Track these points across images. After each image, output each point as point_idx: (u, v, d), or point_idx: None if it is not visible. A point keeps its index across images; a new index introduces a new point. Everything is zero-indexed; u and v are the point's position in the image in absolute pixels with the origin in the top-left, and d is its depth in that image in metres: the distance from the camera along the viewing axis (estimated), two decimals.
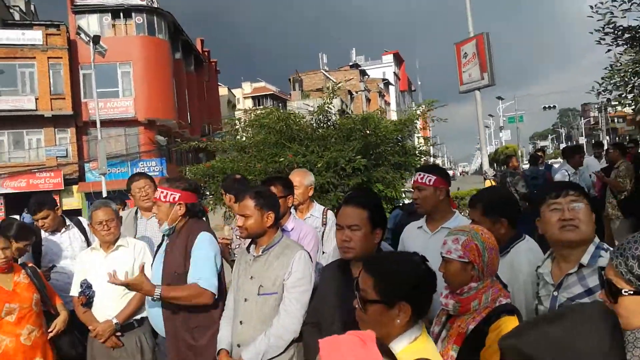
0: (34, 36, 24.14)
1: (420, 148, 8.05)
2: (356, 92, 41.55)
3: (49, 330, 3.42)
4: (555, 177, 8.12)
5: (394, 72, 72.67)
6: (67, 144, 25.21)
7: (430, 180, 2.89)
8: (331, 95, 7.78)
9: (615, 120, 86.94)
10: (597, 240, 2.13)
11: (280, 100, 50.77)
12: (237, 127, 8.42)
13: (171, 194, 3.04)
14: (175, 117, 27.59)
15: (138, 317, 3.42)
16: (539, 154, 9.24)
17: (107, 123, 22.82)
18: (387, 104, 62.12)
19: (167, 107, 26.98)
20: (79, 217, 4.47)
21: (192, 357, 2.88)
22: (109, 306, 3.37)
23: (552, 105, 42.58)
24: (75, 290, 3.48)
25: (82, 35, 18.69)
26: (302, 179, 3.69)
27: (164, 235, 3.24)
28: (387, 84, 66.55)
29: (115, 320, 3.31)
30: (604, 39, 7.65)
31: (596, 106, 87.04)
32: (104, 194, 18.19)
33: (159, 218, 3.07)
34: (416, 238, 3.02)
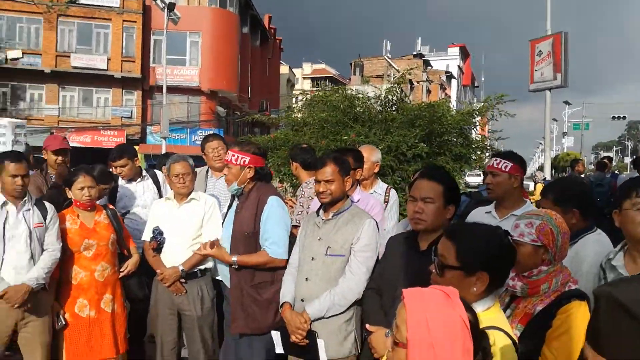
0: None
1: (484, 142, 7.93)
2: (417, 82, 40.86)
3: (121, 270, 3.66)
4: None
5: (458, 66, 71.05)
6: (133, 106, 26.19)
7: (506, 167, 2.89)
8: (400, 80, 7.76)
9: None
10: None
11: (338, 83, 50.70)
12: (300, 102, 8.54)
13: (242, 157, 3.17)
14: (237, 90, 28.15)
15: (202, 267, 3.60)
16: (606, 161, 8.90)
17: (171, 89, 23.50)
18: (448, 97, 60.93)
19: (231, 80, 27.51)
20: (155, 170, 4.70)
21: (256, 310, 3.03)
22: (176, 254, 3.56)
23: (622, 116, 40.58)
24: (147, 236, 3.69)
25: (158, 1, 19.22)
26: (369, 155, 3.75)
27: (232, 197, 3.39)
28: (449, 76, 65.19)
29: (181, 268, 3.50)
30: None
31: None
32: None
33: (228, 179, 3.21)
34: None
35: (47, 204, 3.39)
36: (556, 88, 12.72)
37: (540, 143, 46.22)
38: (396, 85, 7.51)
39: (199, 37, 26.61)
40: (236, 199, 3.32)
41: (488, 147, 8.05)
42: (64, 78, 24.94)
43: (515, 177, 2.91)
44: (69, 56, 24.79)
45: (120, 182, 4.33)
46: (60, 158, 4.14)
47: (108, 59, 25.13)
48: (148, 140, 25.64)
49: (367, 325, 2.36)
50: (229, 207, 3.46)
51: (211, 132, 5.10)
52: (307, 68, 59.84)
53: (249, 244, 3.10)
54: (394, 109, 7.75)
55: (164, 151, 19.38)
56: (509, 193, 2.92)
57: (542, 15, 12.78)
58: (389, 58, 50.54)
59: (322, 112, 7.70)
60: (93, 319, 3.47)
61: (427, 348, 1.26)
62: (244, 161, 3.17)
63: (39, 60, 24.75)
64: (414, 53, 61.66)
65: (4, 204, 3.21)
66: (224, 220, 3.45)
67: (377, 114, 7.45)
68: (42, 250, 3.29)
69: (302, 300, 2.73)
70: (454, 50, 72.35)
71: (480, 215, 3.12)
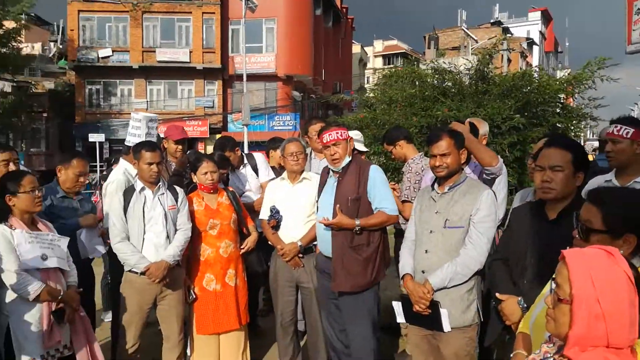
0: None
1: (581, 110, 7.57)
2: (498, 52, 38.99)
3: (242, 247, 3.94)
4: None
5: (540, 31, 67.04)
6: (214, 95, 27.22)
7: (627, 133, 2.81)
8: (494, 49, 7.56)
9: None
10: None
11: (411, 58, 49.64)
12: (374, 81, 8.56)
13: (344, 132, 3.40)
14: (311, 73, 28.41)
15: (317, 242, 3.79)
16: None
17: (250, 77, 24.16)
18: (529, 65, 57.87)
19: (305, 64, 27.79)
20: (253, 153, 5.00)
21: (357, 268, 3.25)
22: (294, 230, 3.77)
23: None
24: (265, 214, 3.93)
25: None
26: (479, 127, 3.74)
27: (325, 172, 3.57)
28: (530, 43, 61.72)
29: (299, 243, 3.71)
30: None
31: None
32: (245, 145, 19.55)
33: (340, 155, 3.34)
34: None
35: (177, 188, 3.71)
36: None
37: (632, 109, 42.86)
38: (487, 57, 7.33)
39: (275, 23, 27.06)
40: (332, 174, 3.46)
41: (587, 115, 7.66)
42: (150, 72, 26.37)
43: (638, 143, 2.82)
44: (154, 51, 26.14)
45: None
46: (180, 147, 4.47)
47: (190, 52, 26.23)
48: (229, 129, 26.58)
49: (498, 294, 2.42)
50: (323, 180, 3.61)
51: (314, 116, 5.27)
52: (379, 45, 59.05)
53: (353, 209, 3.28)
54: (488, 80, 7.57)
55: (245, 138, 20.16)
56: (631, 160, 2.84)
57: None
58: (466, 28, 48.65)
59: (412, 88, 7.68)
60: (219, 293, 3.77)
61: (593, 302, 1.31)
62: (347, 135, 3.40)
63: (127, 57, 26.34)
64: (492, 21, 58.90)
65: (142, 189, 3.56)
66: (320, 192, 3.59)
67: (467, 87, 7.33)
68: (176, 230, 3.61)
69: (423, 272, 2.81)
70: (535, 15, 68.19)
71: (600, 184, 3.05)
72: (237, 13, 23.06)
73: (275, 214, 3.82)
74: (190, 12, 26.21)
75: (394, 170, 6.90)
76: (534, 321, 1.89)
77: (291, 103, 27.64)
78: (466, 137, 2.93)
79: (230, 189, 4.13)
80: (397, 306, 2.93)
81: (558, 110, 7.35)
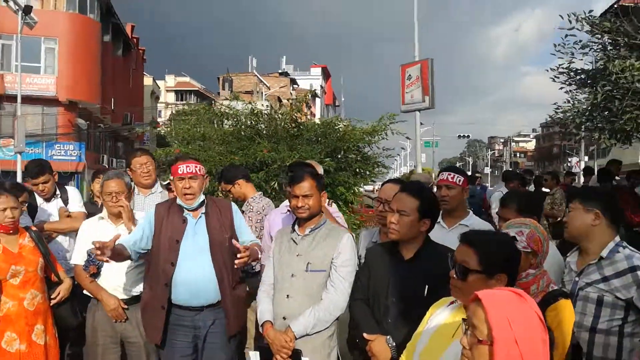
0: None
1: (378, 159, 8.44)
2: (287, 100, 41.69)
3: (52, 297, 3.30)
4: (492, 197, 8.86)
5: (321, 85, 73.85)
6: None
7: (459, 180, 3.17)
8: (304, 99, 8.01)
9: (518, 155, 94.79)
10: (617, 239, 2.53)
11: (205, 97, 49.84)
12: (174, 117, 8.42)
13: (201, 167, 3.16)
14: (98, 101, 26.25)
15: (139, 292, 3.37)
16: (477, 175, 9.98)
17: (23, 99, 21.24)
18: (313, 115, 62.98)
19: (92, 90, 25.58)
20: (67, 187, 4.31)
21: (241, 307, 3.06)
22: (117, 276, 3.30)
23: (466, 135, 45.53)
24: (78, 259, 3.37)
25: (11, 3, 17.31)
26: (317, 169, 3.85)
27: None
28: (314, 95, 67.52)
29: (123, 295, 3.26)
30: (558, 77, 8.56)
31: (502, 140, 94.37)
32: (19, 174, 16.95)
33: (195, 192, 3.04)
34: (433, 232, 3.28)
35: None
36: (425, 109, 13.91)
37: (395, 159, 49.96)
38: (299, 103, 7.73)
39: (56, 43, 24.44)
40: (185, 211, 3.12)
41: (378, 163, 8.56)
42: None
43: (466, 190, 3.22)
44: None
45: (39, 200, 3.90)
46: None
47: None
48: None
49: (365, 334, 2.44)
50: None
51: (139, 147, 4.76)
52: (171, 80, 57.98)
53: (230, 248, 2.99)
54: (293, 126, 7.94)
55: (19, 167, 17.43)
56: (459, 204, 3.21)
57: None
58: (259, 74, 50.95)
59: (208, 127, 7.69)
60: (24, 354, 3.09)
61: (512, 344, 1.40)
62: (204, 172, 3.17)
63: None
64: (280, 71, 62.93)
65: None
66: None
67: (281, 130, 7.57)
68: None
69: (284, 318, 2.71)
70: (317, 70, 75.14)
71: None
72: (10, 27, 20.25)
73: (94, 259, 3.29)
74: None
75: None
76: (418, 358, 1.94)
77: (75, 131, 24.98)
78: None
79: (33, 228, 3.46)
80: (255, 356, 2.76)
81: (359, 158, 8.06)
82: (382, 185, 3.37)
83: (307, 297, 2.71)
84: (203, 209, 3.11)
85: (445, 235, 3.19)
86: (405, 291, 2.45)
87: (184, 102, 45.76)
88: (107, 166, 27.43)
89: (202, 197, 3.10)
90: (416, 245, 2.54)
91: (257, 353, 2.76)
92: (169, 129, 10.52)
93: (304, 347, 2.65)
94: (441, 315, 1.99)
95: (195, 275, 2.96)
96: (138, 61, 37.06)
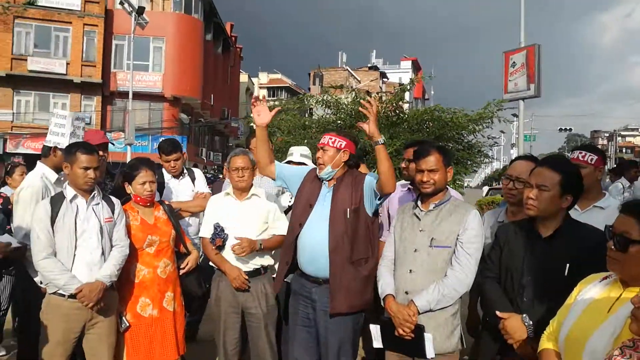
0: (73, 1, 24.20)
1: (482, 149, 8.16)
2: (377, 93, 41.55)
3: (181, 267, 3.51)
4: (609, 189, 8.22)
5: (411, 78, 72.75)
6: (92, 112, 25.28)
7: (592, 159, 2.97)
8: (407, 87, 7.95)
9: (624, 150, 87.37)
10: None
11: (295, 93, 50.88)
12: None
13: (339, 141, 3.07)
14: (200, 96, 27.72)
15: (265, 264, 3.51)
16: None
17: (133, 95, 22.91)
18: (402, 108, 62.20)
19: (194, 87, 27.09)
20: (193, 168, 4.59)
21: (357, 285, 2.94)
22: None
23: (568, 128, 42.73)
24: (206, 232, 3.55)
25: (126, 5, 18.71)
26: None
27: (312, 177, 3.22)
28: (404, 89, 66.69)
29: (260, 243, 3.38)
30: None
31: (606, 135, 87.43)
32: None
33: (323, 162, 3.07)
34: None
35: (113, 198, 3.22)
36: (529, 98, 13.25)
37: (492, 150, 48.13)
38: (402, 92, 7.67)
39: (163, 42, 26.12)
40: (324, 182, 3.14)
41: (482, 151, 8.27)
42: (19, 82, 23.80)
43: (599, 170, 3.00)
44: (26, 59, 23.71)
45: (167, 177, 4.18)
46: (100, 153, 3.94)
47: (67, 63, 24.21)
48: (108, 148, 24.70)
49: (498, 312, 2.35)
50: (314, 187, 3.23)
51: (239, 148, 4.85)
52: (264, 77, 59.74)
53: (353, 220, 2.96)
54: (394, 114, 7.88)
55: (129, 158, 18.84)
56: (592, 185, 3.00)
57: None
58: (350, 69, 51.21)
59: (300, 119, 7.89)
60: (156, 319, 3.30)
61: None
62: (341, 144, 3.06)
63: None
64: (369, 65, 62.72)
65: (74, 197, 3.03)
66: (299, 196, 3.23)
67: (382, 118, 7.55)
68: (111, 246, 3.12)
69: (407, 293, 2.68)
70: (407, 64, 74.03)
71: None
72: (123, 28, 21.90)
73: (220, 232, 3.46)
74: (70, 23, 24.30)
75: None
76: (567, 335, 1.84)
77: (178, 125, 26.59)
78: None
79: (167, 202, 3.70)
80: (375, 330, 2.75)
81: (460, 147, 7.84)
82: (511, 162, 3.23)
83: (430, 273, 2.65)
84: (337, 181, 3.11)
85: (577, 217, 2.99)
86: (543, 270, 2.33)
87: (275, 98, 46.94)
88: (204, 159, 28.88)
89: (332, 169, 3.06)
90: (556, 222, 2.40)
91: (378, 327, 2.75)
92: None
93: (426, 324, 2.60)
94: (593, 291, 1.87)
95: (312, 240, 2.99)
96: (236, 59, 38.63)
